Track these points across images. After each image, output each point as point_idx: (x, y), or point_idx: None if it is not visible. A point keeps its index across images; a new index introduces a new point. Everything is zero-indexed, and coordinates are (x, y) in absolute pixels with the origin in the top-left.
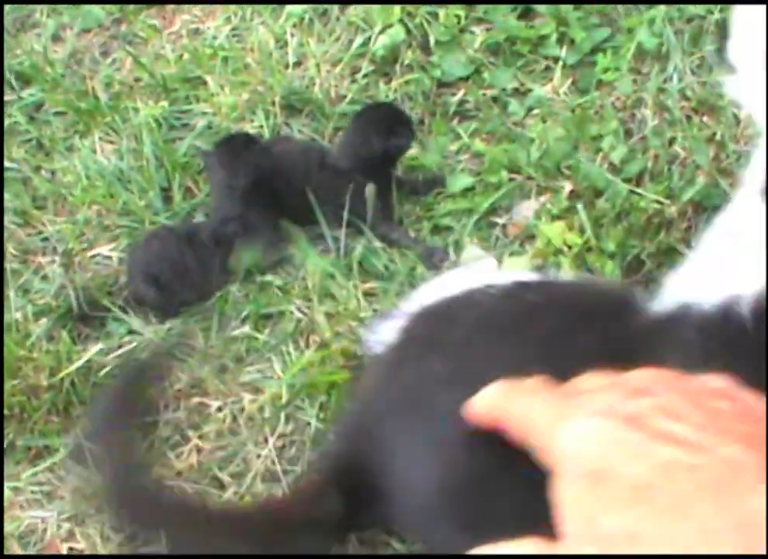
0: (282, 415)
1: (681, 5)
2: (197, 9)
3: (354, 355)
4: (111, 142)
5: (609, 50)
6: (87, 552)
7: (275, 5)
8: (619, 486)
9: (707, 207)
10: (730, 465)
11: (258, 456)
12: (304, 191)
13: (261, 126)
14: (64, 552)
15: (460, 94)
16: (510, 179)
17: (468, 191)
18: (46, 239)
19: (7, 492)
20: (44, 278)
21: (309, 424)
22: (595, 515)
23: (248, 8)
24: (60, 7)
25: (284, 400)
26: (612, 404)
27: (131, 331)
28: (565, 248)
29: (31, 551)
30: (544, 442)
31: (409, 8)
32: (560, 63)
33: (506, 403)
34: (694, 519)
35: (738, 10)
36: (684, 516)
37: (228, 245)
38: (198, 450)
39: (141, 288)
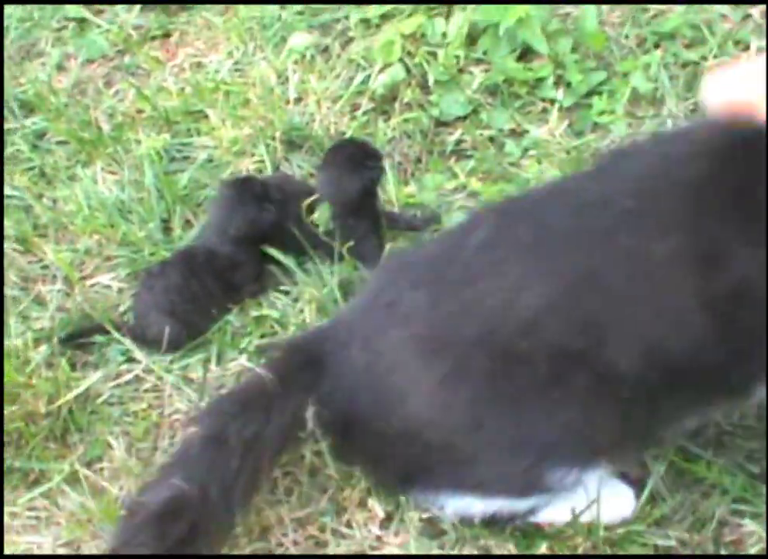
0: None
1: (676, 52)
2: (200, 42)
3: None
4: (112, 172)
5: (605, 94)
6: None
7: (276, 41)
8: None
9: None
10: None
11: None
12: (294, 233)
13: (262, 161)
14: None
15: (457, 133)
16: None
17: None
18: (46, 267)
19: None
20: (43, 305)
21: (303, 456)
22: None
23: (251, 43)
24: (65, 37)
25: None
26: None
27: (130, 359)
28: None
29: None
30: None
31: (410, 47)
32: (556, 105)
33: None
34: None
35: None
36: None
37: (223, 268)
38: None
39: (158, 324)
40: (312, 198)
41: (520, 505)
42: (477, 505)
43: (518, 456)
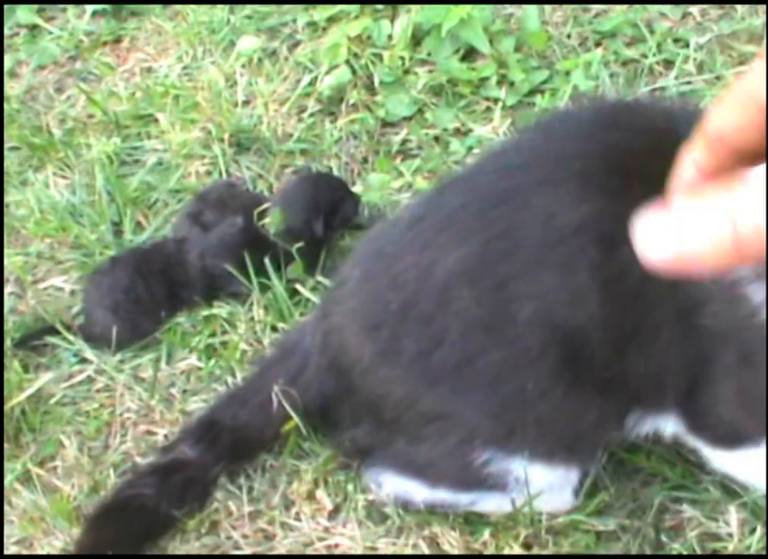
0: None
1: (617, 49)
2: (150, 47)
3: None
4: (64, 177)
5: (547, 92)
6: None
7: (225, 45)
8: None
9: None
10: None
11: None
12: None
13: (213, 163)
14: None
15: (403, 133)
16: None
17: None
18: None
19: None
20: None
21: None
22: None
23: (200, 47)
24: (17, 43)
25: None
26: None
27: (82, 360)
28: None
29: None
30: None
31: (356, 49)
32: (500, 104)
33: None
34: None
35: None
36: None
37: (174, 280)
38: None
39: (103, 321)
40: (262, 207)
41: (459, 498)
42: (421, 492)
43: (445, 435)
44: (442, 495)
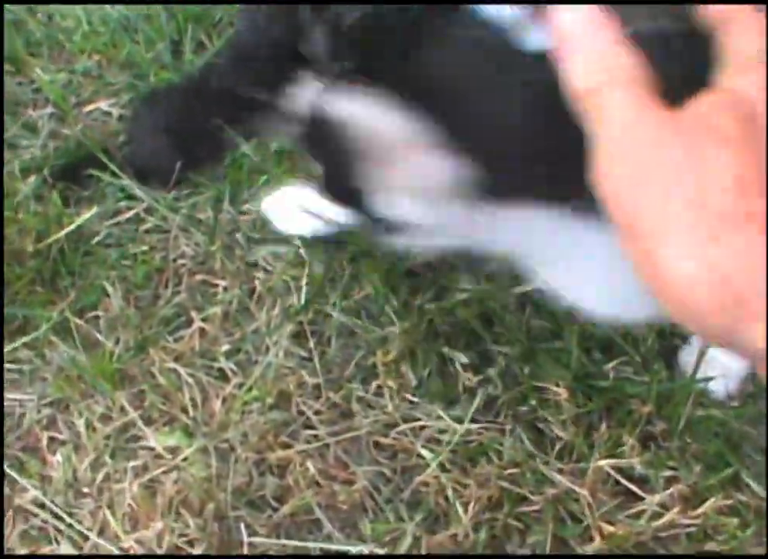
0: (300, 299)
1: None
2: None
3: None
4: None
5: None
6: (69, 443)
7: None
8: None
9: None
10: None
11: (268, 348)
12: None
13: None
14: (44, 441)
15: None
16: None
17: None
18: (38, 90)
19: None
20: (34, 132)
21: (329, 315)
22: None
23: None
24: None
25: (303, 282)
26: None
27: (130, 197)
28: None
29: (6, 437)
30: None
31: None
32: None
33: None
34: None
35: None
36: None
37: (238, 101)
38: (202, 334)
39: (150, 144)
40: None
41: None
42: None
43: None
44: None
